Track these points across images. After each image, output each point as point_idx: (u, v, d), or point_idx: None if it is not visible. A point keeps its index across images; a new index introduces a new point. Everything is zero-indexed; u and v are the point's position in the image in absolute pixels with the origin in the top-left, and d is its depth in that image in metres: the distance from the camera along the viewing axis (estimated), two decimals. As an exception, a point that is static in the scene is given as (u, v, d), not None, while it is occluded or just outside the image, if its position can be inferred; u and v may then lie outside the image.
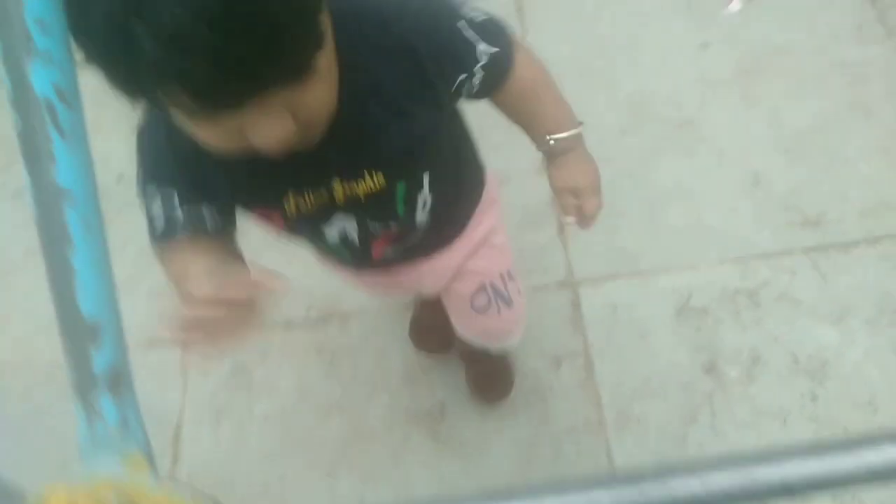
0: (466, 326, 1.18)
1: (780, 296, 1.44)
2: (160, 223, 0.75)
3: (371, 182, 0.78)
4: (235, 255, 0.79)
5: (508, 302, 1.11)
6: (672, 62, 1.71)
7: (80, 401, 0.40)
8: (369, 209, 0.83)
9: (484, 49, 0.76)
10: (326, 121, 0.68)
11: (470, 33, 0.75)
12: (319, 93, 0.64)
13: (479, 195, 1.02)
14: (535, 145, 0.92)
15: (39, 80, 0.33)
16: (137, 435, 0.42)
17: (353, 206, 0.81)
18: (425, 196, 0.86)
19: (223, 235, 0.78)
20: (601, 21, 1.78)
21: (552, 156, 0.91)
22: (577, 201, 0.92)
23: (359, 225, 0.86)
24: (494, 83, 0.81)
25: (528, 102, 0.87)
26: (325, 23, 0.61)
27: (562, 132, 0.89)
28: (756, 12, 1.74)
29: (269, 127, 0.60)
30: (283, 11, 0.53)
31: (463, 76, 0.77)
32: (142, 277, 1.61)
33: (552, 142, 0.89)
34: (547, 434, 1.37)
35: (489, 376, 1.41)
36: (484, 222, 1.04)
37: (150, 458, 0.42)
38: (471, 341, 1.21)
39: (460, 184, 0.96)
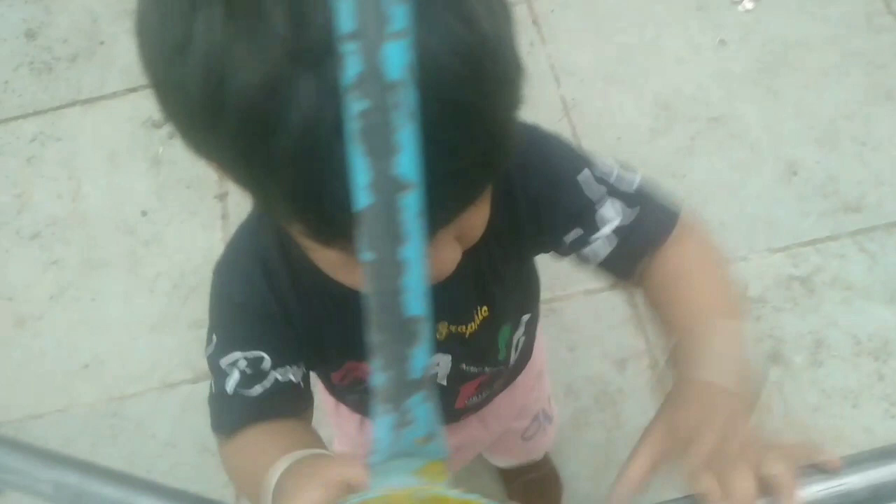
0: (511, 456, 1.15)
1: (832, 280, 1.45)
2: (238, 401, 0.60)
3: (478, 321, 0.69)
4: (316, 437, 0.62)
5: (551, 419, 1.10)
6: (693, 61, 1.74)
7: (391, 407, 0.36)
8: (470, 349, 0.72)
9: (613, 209, 0.62)
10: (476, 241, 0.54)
11: (594, 188, 0.62)
12: (483, 211, 0.51)
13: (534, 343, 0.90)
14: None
15: (394, 60, 0.30)
16: (441, 443, 0.39)
17: (453, 345, 0.70)
18: (519, 337, 0.79)
19: (306, 411, 0.65)
20: (618, 28, 1.80)
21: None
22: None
23: (453, 366, 0.74)
24: (630, 255, 0.63)
25: (672, 290, 0.61)
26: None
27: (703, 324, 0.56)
28: (767, 10, 1.78)
29: (443, 257, 0.48)
30: (504, 118, 0.42)
31: (573, 235, 0.63)
32: (181, 312, 1.57)
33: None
34: (621, 437, 1.35)
35: (537, 484, 1.30)
36: (539, 349, 0.94)
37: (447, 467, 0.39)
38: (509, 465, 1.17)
39: (538, 318, 0.86)
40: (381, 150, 0.31)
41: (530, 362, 0.92)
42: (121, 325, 1.57)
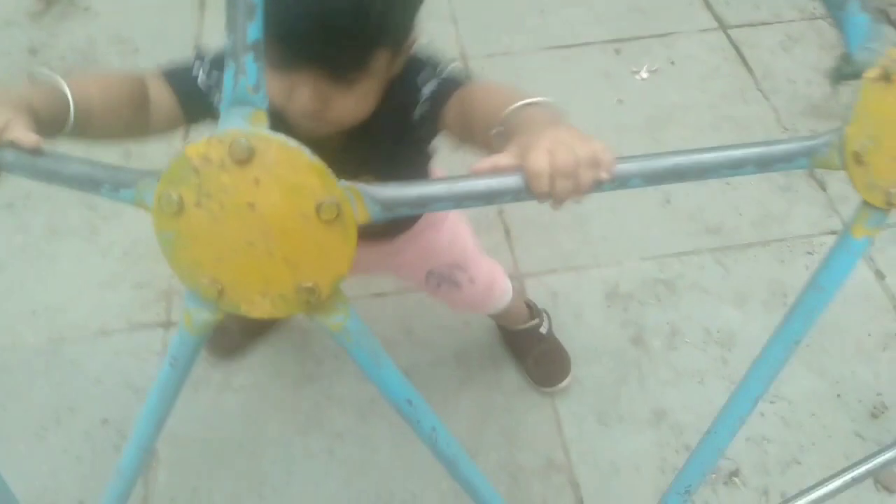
0: (452, 306, 1.44)
1: (692, 285, 1.70)
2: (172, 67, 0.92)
3: (365, 180, 0.98)
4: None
5: (457, 285, 1.33)
6: (595, 116, 2.05)
7: (232, 62, 0.60)
8: None
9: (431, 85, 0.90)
10: (346, 124, 0.86)
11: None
12: (350, 100, 0.82)
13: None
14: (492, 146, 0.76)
15: None
16: (264, 97, 0.62)
17: None
18: None
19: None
20: (536, 84, 2.14)
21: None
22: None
23: None
24: (442, 99, 0.88)
25: (478, 103, 0.83)
26: (387, 58, 0.82)
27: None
28: (659, 80, 2.13)
29: (303, 96, 0.80)
30: (376, 23, 0.76)
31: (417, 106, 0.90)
32: (126, 274, 1.77)
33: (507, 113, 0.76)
34: (500, 393, 1.54)
35: (541, 360, 1.54)
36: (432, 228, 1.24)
37: (268, 115, 0.62)
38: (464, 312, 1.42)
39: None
40: None
41: (426, 227, 1.20)
42: (71, 281, 1.76)
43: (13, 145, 0.66)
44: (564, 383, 1.52)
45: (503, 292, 1.43)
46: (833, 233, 1.75)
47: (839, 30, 0.71)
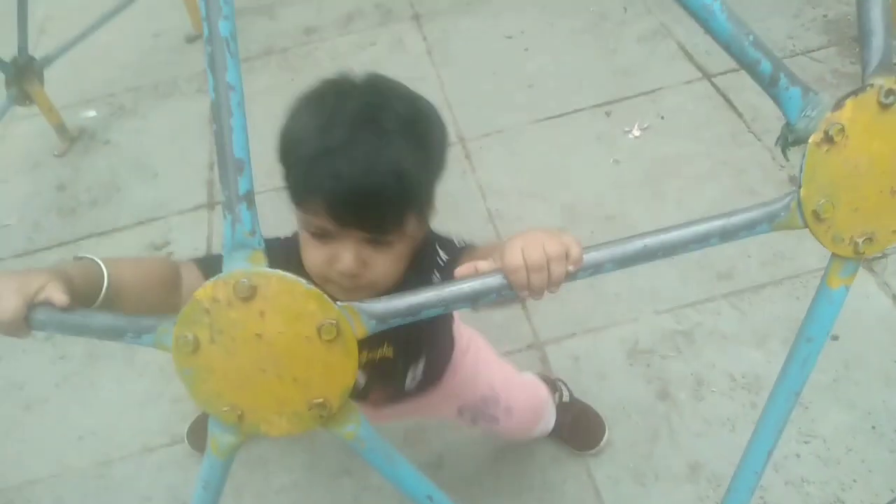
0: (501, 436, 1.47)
1: (710, 332, 1.72)
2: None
3: (384, 351, 1.09)
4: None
5: (494, 419, 1.36)
6: (592, 177, 2.12)
7: (228, 212, 0.67)
8: (380, 372, 1.11)
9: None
10: (380, 287, 0.95)
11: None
12: (387, 261, 0.94)
13: (447, 364, 1.27)
14: None
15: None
16: (260, 239, 0.69)
17: (367, 369, 1.10)
18: (418, 375, 1.17)
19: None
20: (533, 156, 2.22)
21: None
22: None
23: (367, 382, 1.13)
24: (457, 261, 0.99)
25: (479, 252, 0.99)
26: (416, 221, 0.95)
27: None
28: (651, 136, 2.20)
29: (346, 259, 0.91)
30: (411, 189, 0.89)
31: None
32: (164, 390, 1.84)
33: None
34: (535, 466, 1.56)
35: (575, 427, 1.56)
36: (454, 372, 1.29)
37: (263, 253, 0.69)
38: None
39: (443, 359, 1.25)
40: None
41: (446, 378, 1.26)
42: (112, 404, 1.83)
43: (46, 302, 0.74)
44: (604, 441, 1.55)
45: (549, 414, 1.46)
46: (843, 263, 1.77)
47: (776, 104, 0.76)
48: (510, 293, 0.72)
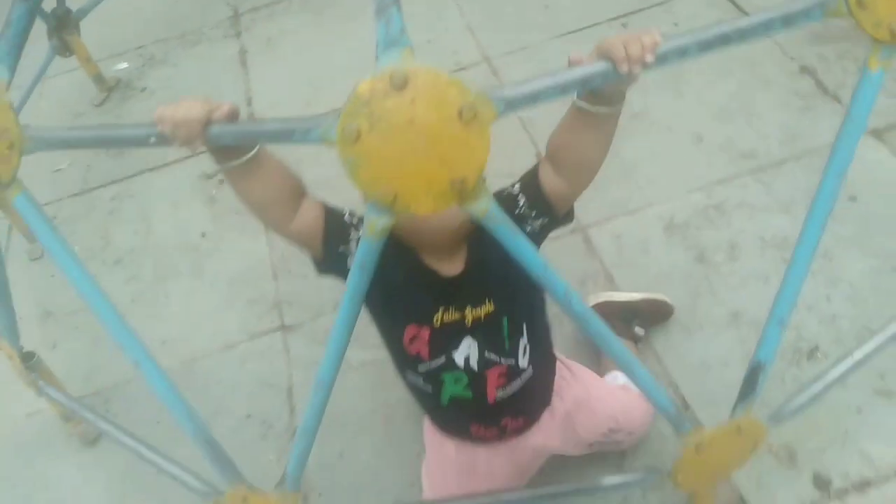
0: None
1: (739, 204, 1.88)
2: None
3: (488, 307, 1.13)
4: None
5: (618, 443, 1.41)
6: (616, 82, 2.26)
7: (381, 16, 0.81)
8: (486, 335, 1.14)
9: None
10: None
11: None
12: None
13: (553, 378, 1.33)
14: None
15: None
16: (407, 38, 0.82)
17: (476, 331, 1.13)
18: (525, 342, 1.19)
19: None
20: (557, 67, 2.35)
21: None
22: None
23: (479, 352, 1.16)
24: (532, 180, 1.09)
25: (555, 142, 1.06)
26: None
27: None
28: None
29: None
30: None
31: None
32: (235, 297, 1.98)
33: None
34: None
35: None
36: (563, 399, 1.34)
37: (411, 49, 0.83)
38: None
39: (547, 355, 1.29)
40: None
41: (552, 409, 1.32)
42: (189, 313, 1.98)
43: (220, 118, 0.88)
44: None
45: (651, 415, 1.45)
46: (856, 136, 1.93)
47: None
48: (614, 74, 0.86)
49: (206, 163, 2.38)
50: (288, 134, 0.87)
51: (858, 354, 1.28)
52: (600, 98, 0.98)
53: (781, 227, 1.80)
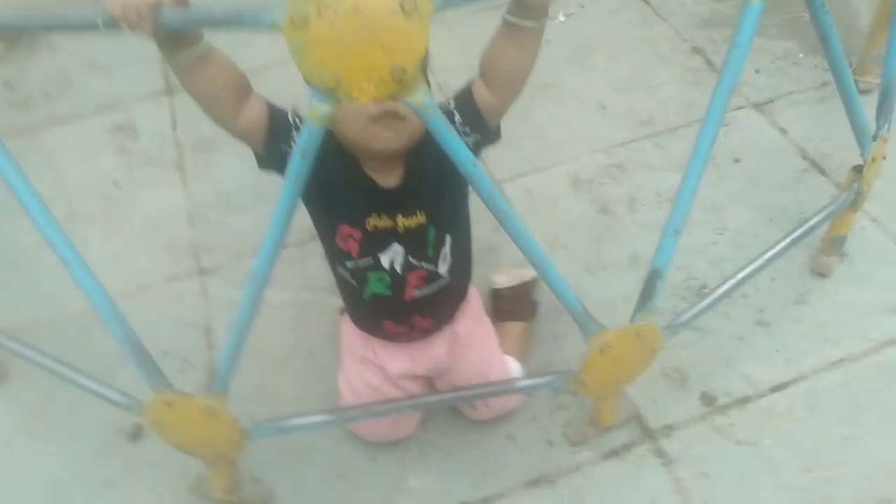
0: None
1: (638, 163, 2.04)
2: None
3: (419, 218, 1.20)
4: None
5: (473, 409, 1.50)
6: (528, 55, 2.40)
7: None
8: (413, 242, 1.22)
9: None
10: (413, 136, 1.12)
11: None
12: None
13: (466, 293, 1.42)
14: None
15: None
16: None
17: (404, 238, 1.21)
18: (447, 252, 1.27)
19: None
20: (474, 41, 2.46)
21: None
22: None
23: (404, 257, 1.23)
24: (466, 96, 1.19)
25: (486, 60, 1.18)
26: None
27: None
28: (575, 21, 2.51)
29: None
30: None
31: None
32: (150, 241, 1.95)
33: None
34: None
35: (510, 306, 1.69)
36: (469, 319, 1.42)
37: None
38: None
39: (464, 269, 1.36)
40: None
41: (462, 315, 1.41)
42: (102, 256, 1.94)
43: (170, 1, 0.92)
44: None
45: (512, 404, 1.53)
46: (739, 108, 2.14)
47: None
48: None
49: (119, 117, 2.35)
50: (239, 19, 0.92)
51: (739, 275, 1.45)
52: (526, 11, 1.07)
53: (675, 185, 1.96)
